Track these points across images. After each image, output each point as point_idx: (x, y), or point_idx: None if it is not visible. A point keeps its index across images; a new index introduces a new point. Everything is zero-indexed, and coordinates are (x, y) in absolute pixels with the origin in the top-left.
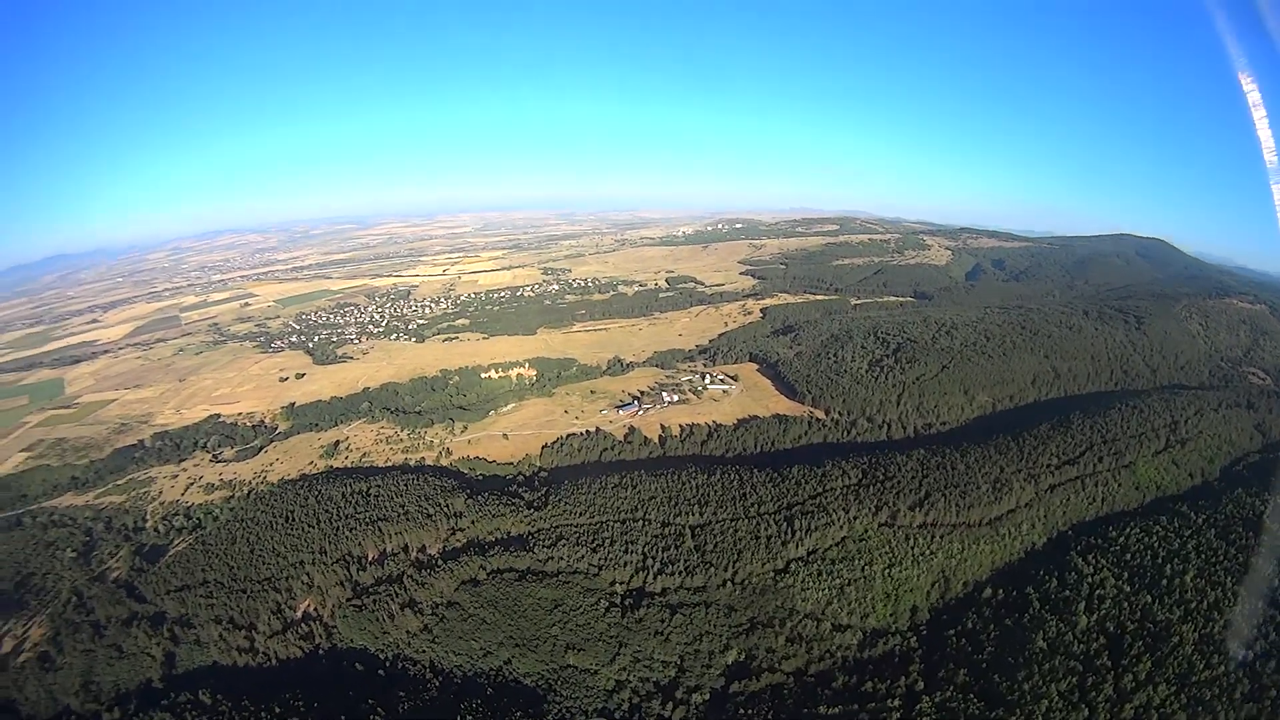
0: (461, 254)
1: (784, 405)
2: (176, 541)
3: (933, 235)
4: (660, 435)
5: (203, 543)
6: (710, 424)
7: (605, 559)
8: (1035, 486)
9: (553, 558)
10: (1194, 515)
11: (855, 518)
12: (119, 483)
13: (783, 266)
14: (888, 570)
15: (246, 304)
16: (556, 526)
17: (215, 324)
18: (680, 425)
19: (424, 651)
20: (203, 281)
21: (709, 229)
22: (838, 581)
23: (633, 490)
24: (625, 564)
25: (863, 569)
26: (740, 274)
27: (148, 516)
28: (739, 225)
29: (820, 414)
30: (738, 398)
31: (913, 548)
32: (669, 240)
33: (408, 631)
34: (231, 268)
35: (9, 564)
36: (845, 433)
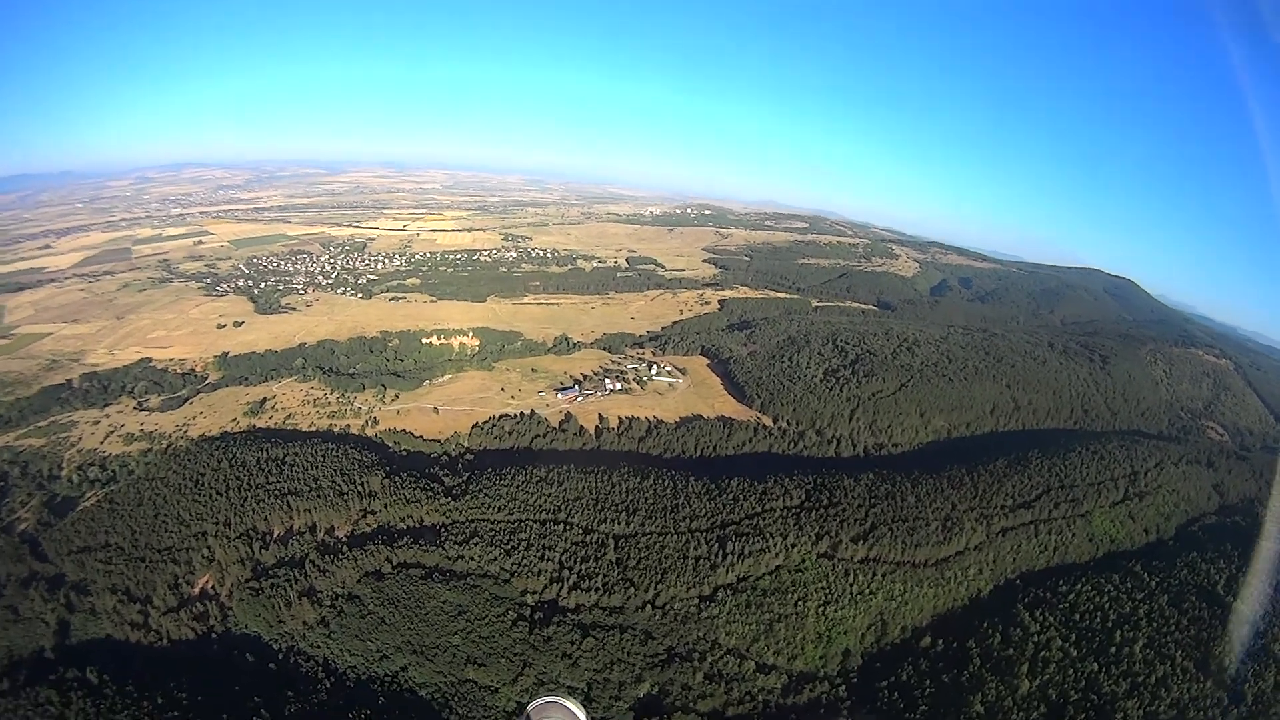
0: (425, 211)
1: (731, 407)
2: (88, 495)
3: (902, 245)
4: (597, 426)
5: (110, 501)
6: (651, 419)
7: (519, 564)
8: (987, 528)
9: (463, 556)
10: (1147, 576)
11: (793, 545)
12: (41, 424)
13: (747, 259)
14: (822, 608)
15: (200, 242)
16: (472, 521)
17: (166, 260)
18: (620, 417)
19: (319, 647)
20: (161, 214)
21: (677, 212)
22: (767, 616)
23: (559, 487)
24: (540, 572)
25: (795, 604)
26: (703, 261)
27: (64, 464)
28: (708, 212)
29: (768, 421)
30: (683, 393)
31: (851, 585)
32: (635, 218)
33: (304, 623)
34: (192, 203)
35: None
36: (792, 444)
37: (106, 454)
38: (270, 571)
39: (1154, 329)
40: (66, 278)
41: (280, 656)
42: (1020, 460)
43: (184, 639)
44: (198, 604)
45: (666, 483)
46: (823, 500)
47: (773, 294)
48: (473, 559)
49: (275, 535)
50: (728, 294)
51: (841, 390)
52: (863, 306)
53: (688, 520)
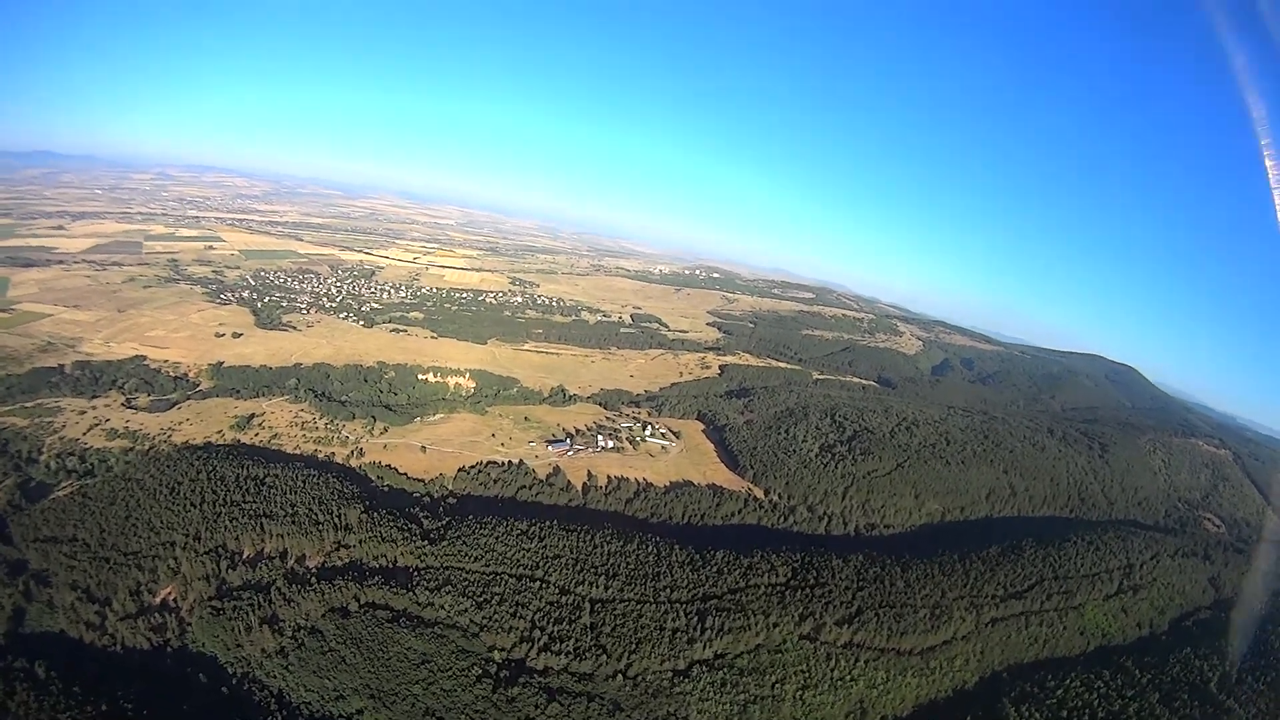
0: (437, 245)
1: (722, 475)
2: (63, 484)
3: (907, 322)
4: (585, 483)
5: (84, 494)
6: (640, 481)
7: (490, 619)
8: (977, 618)
9: (433, 604)
10: (1139, 673)
11: (775, 624)
12: (27, 405)
13: (751, 325)
14: (801, 692)
15: (211, 247)
16: (447, 568)
17: (175, 260)
18: (609, 476)
19: (274, 677)
20: (177, 214)
21: (686, 272)
22: (743, 697)
23: (539, 542)
24: (510, 629)
25: (773, 686)
26: (707, 324)
27: (44, 450)
28: (716, 275)
29: (759, 492)
30: (675, 457)
31: (832, 669)
32: (643, 275)
33: (262, 650)
34: (209, 206)
35: None
36: (782, 518)
37: (88, 446)
38: (234, 593)
39: (1154, 417)
40: (75, 262)
41: (234, 681)
42: (1014, 548)
43: (138, 648)
44: (157, 614)
45: (650, 549)
46: (809, 579)
47: (774, 363)
48: (443, 608)
49: (244, 556)
50: (729, 359)
51: (837, 467)
52: (864, 382)
53: (668, 590)
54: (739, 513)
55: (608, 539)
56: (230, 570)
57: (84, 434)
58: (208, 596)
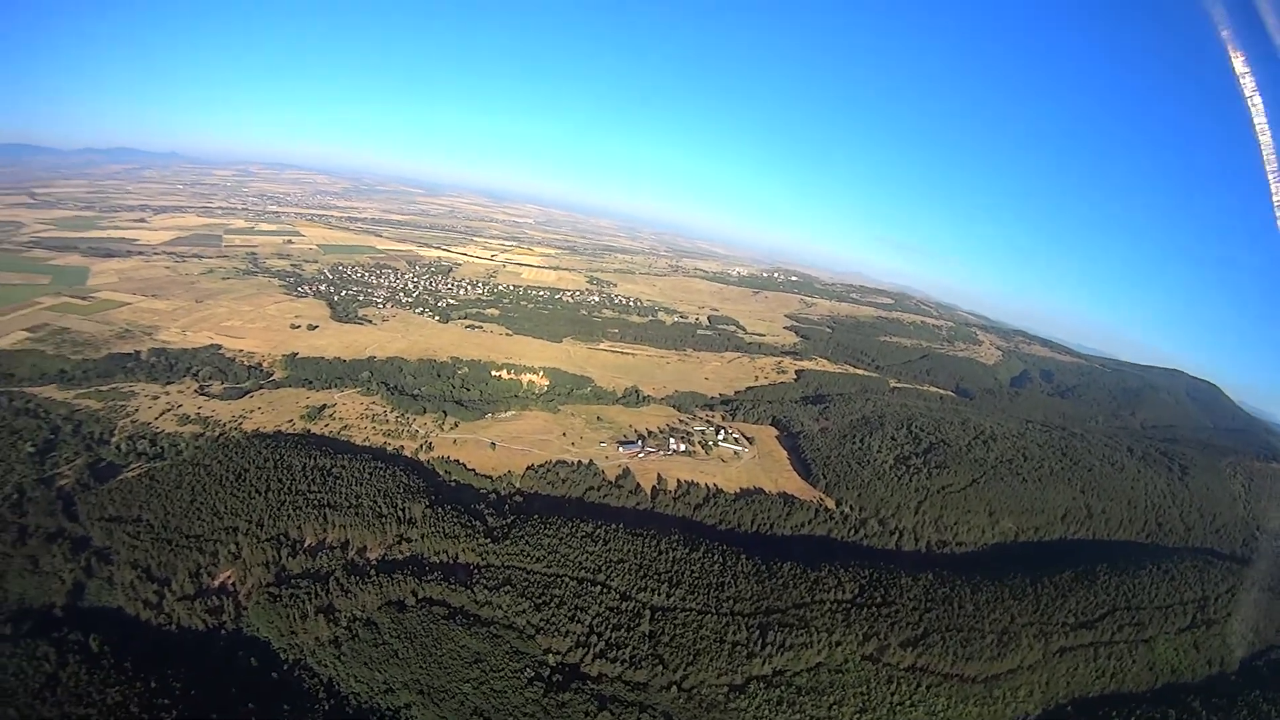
0: (515, 243)
1: (794, 484)
2: (133, 466)
3: (986, 331)
4: (654, 486)
5: (151, 477)
6: (710, 486)
7: (547, 621)
8: (1045, 646)
9: (491, 603)
10: (1206, 714)
11: (838, 643)
12: (103, 388)
13: (829, 330)
14: (858, 716)
15: (290, 241)
16: (508, 567)
17: (254, 253)
18: (679, 480)
19: (326, 666)
20: (257, 209)
21: (764, 275)
22: (798, 717)
23: (603, 546)
24: (568, 633)
25: (830, 708)
26: (785, 328)
27: (116, 431)
28: (795, 278)
29: (830, 503)
30: (747, 463)
31: (892, 693)
32: (721, 277)
33: (316, 639)
34: (289, 202)
35: None
36: (853, 531)
37: (159, 430)
38: (293, 580)
39: (1236, 439)
40: (155, 253)
41: (285, 667)
42: (1088, 574)
43: (193, 628)
44: (214, 597)
45: (715, 557)
46: (876, 598)
47: (851, 369)
48: (500, 607)
49: (305, 545)
50: (806, 365)
51: (911, 480)
52: (941, 392)
53: (731, 601)
54: (809, 523)
55: (673, 545)
56: (290, 558)
57: (156, 418)
58: (266, 583)
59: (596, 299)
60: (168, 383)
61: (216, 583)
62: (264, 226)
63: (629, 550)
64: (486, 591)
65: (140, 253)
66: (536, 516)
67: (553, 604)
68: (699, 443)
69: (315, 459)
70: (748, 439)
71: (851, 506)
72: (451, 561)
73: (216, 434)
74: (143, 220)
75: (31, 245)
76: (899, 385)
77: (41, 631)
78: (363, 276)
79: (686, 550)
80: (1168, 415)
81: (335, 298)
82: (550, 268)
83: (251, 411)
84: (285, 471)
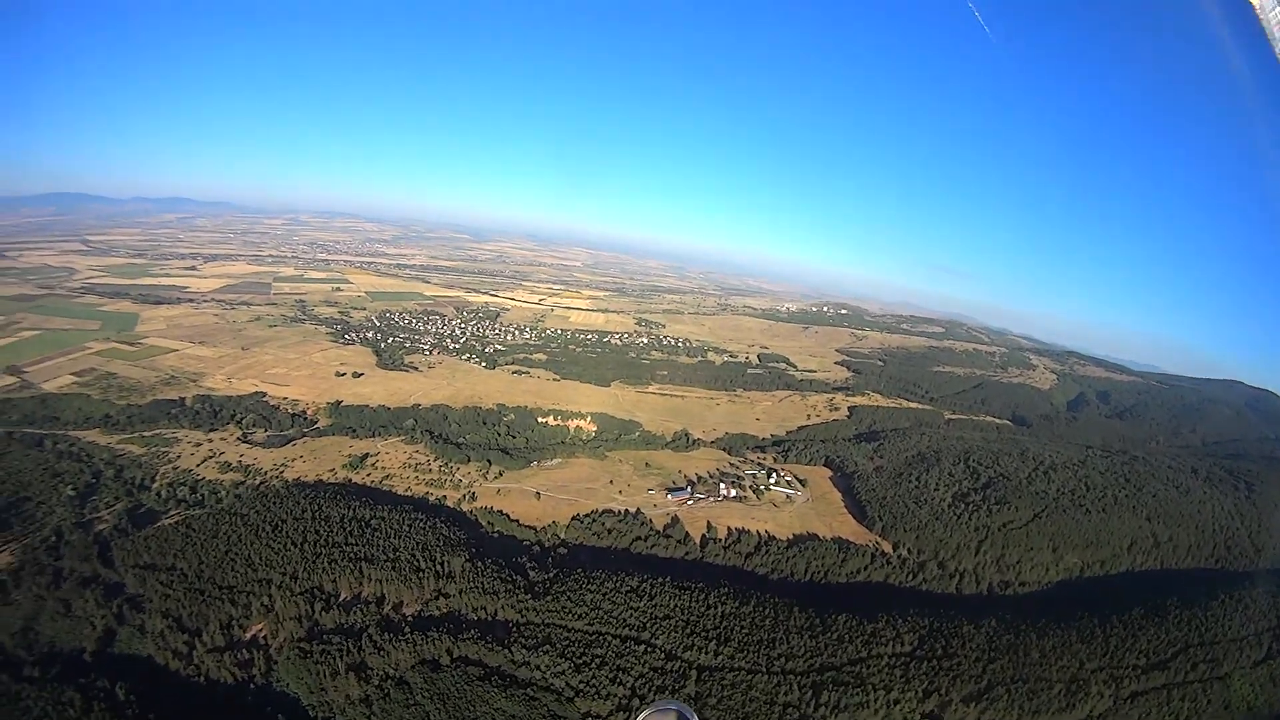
0: (563, 287)
1: (849, 528)
2: (171, 513)
3: (1039, 354)
4: (704, 535)
5: (188, 525)
6: (762, 534)
7: (587, 683)
8: (1115, 692)
9: (529, 663)
10: None
11: (896, 701)
12: (146, 434)
13: (881, 363)
14: None
15: (339, 289)
16: (548, 625)
17: (302, 301)
18: (730, 527)
19: None
20: (307, 257)
21: (814, 309)
22: None
23: (649, 601)
24: (608, 696)
25: None
26: (836, 363)
27: (157, 478)
28: (844, 311)
29: (887, 546)
30: (801, 507)
31: None
32: (770, 314)
33: (346, 696)
34: (338, 250)
35: (12, 482)
36: (911, 575)
37: (200, 477)
38: (325, 635)
39: None
40: (204, 301)
41: None
42: (1157, 609)
43: (222, 681)
44: (245, 650)
45: (767, 610)
46: (936, 649)
47: (905, 403)
48: (539, 668)
49: (340, 599)
50: (858, 400)
51: (970, 518)
52: (997, 421)
53: (783, 659)
54: (865, 569)
55: (723, 599)
56: (324, 612)
57: (197, 465)
58: (298, 637)
59: (645, 341)
60: (211, 430)
61: (248, 635)
62: (313, 274)
63: (675, 605)
64: (525, 651)
65: (190, 300)
66: (580, 570)
67: (593, 664)
68: (750, 487)
69: (354, 510)
70: (800, 481)
71: (909, 549)
72: (490, 618)
73: (257, 482)
74: (193, 268)
75: (83, 291)
76: (954, 417)
77: (69, 676)
78: (410, 323)
79: (736, 604)
80: (1229, 429)
81: (382, 345)
82: (598, 310)
83: (293, 460)
84: (323, 522)
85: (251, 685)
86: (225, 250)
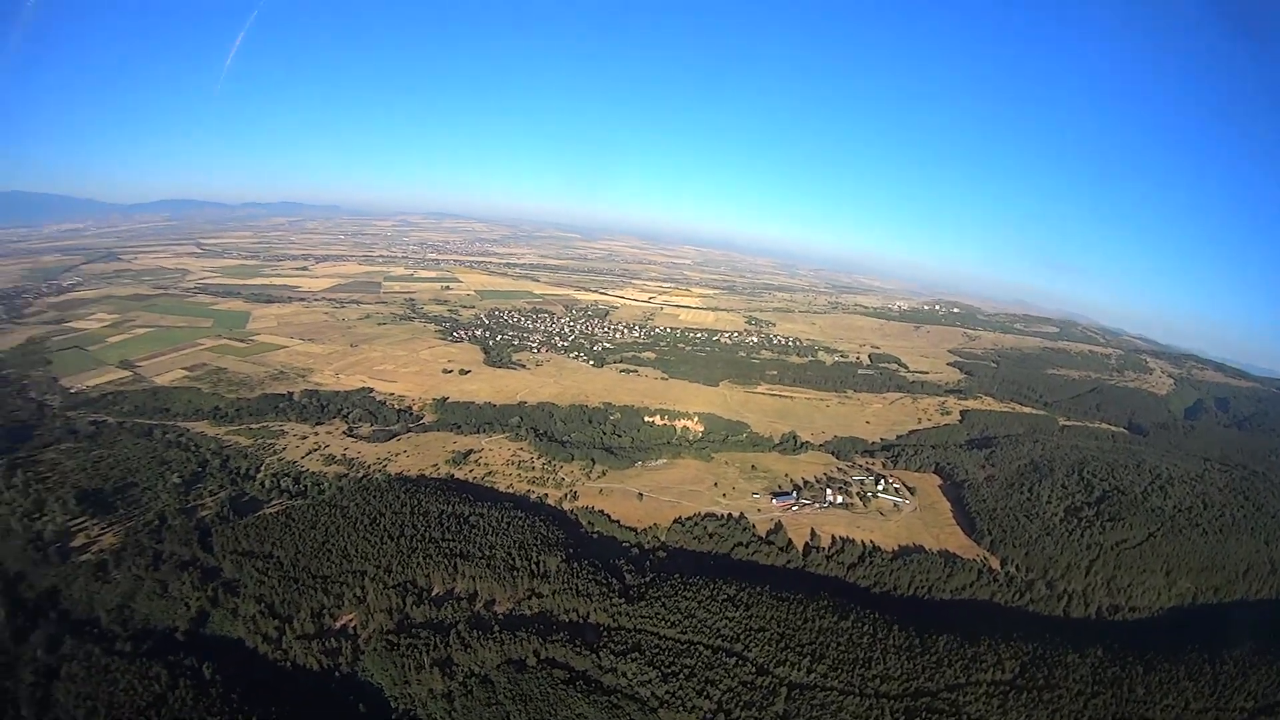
0: (673, 285)
1: (956, 540)
2: (273, 502)
3: (1156, 357)
4: (807, 543)
5: (288, 515)
6: (867, 544)
7: (673, 694)
8: None
9: (616, 669)
10: None
11: None
12: (253, 426)
13: (994, 365)
14: None
15: (448, 288)
16: (639, 631)
17: (412, 299)
18: (834, 536)
19: None
20: (417, 256)
21: (925, 308)
22: None
23: (744, 611)
24: (693, 709)
25: None
26: (948, 364)
27: (261, 469)
28: (957, 310)
29: (995, 562)
30: (908, 517)
31: None
32: (882, 313)
33: (429, 691)
34: (448, 250)
35: (121, 467)
36: (1018, 594)
37: (303, 469)
38: (414, 629)
39: None
40: (315, 299)
41: (393, 717)
42: (1271, 646)
43: (308, 667)
44: (334, 639)
45: (865, 627)
46: (1038, 679)
47: (1018, 407)
48: (625, 675)
49: (432, 594)
50: (970, 404)
51: (1083, 535)
52: (1112, 429)
53: (878, 680)
54: (970, 586)
55: (821, 612)
56: (415, 606)
57: (302, 457)
58: (387, 629)
59: (755, 340)
60: (318, 423)
61: (338, 625)
62: (423, 273)
63: (771, 617)
64: (613, 657)
65: (301, 299)
66: (677, 575)
67: (682, 674)
68: (857, 494)
69: (453, 505)
70: (909, 489)
71: (1018, 566)
72: (581, 621)
73: (359, 475)
74: (305, 268)
75: (196, 291)
76: (1068, 423)
77: (159, 653)
78: (519, 321)
79: (835, 618)
80: None
81: (490, 342)
82: (708, 309)
83: (397, 455)
84: (421, 517)
85: (337, 673)
86: (336, 251)
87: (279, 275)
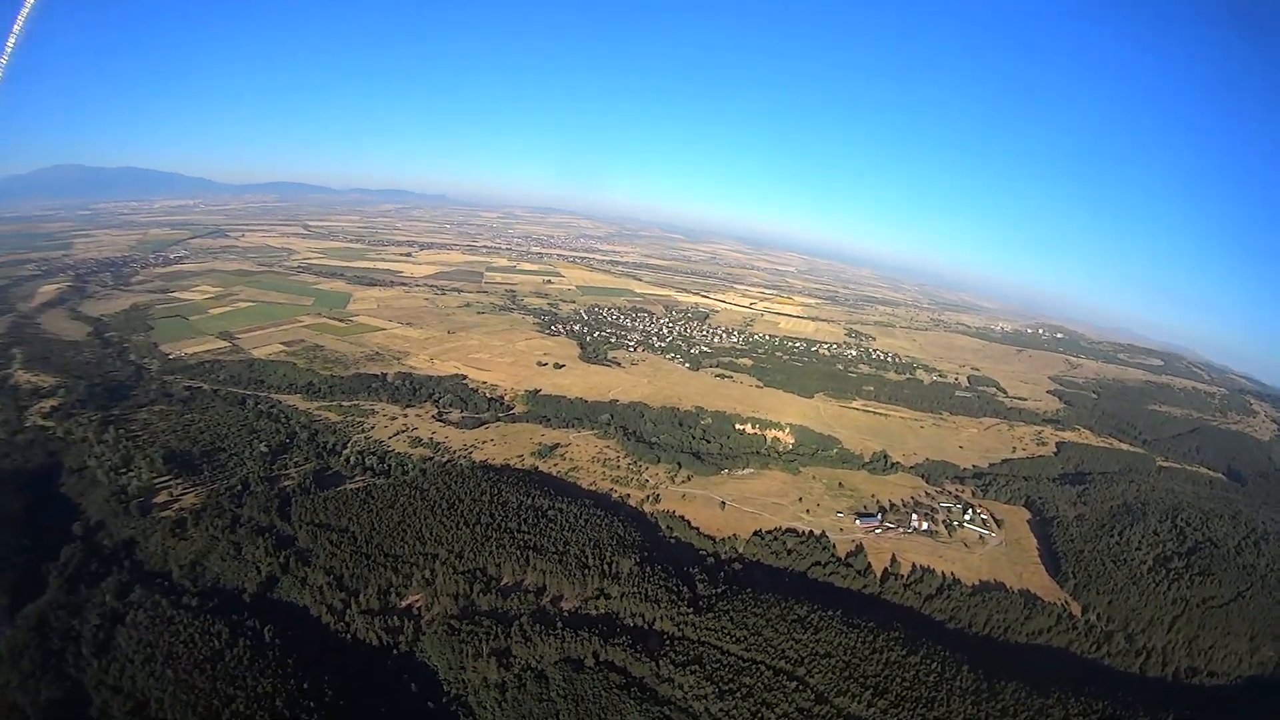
0: (775, 292)
1: (1039, 580)
2: (356, 478)
3: (1260, 399)
4: (885, 569)
5: (368, 492)
6: (947, 575)
7: (729, 712)
8: None
9: (673, 680)
10: None
11: None
12: (344, 404)
13: (1094, 396)
14: None
15: (549, 281)
16: (703, 643)
17: (512, 291)
18: (914, 564)
19: (485, 709)
20: (520, 249)
21: (1028, 331)
22: None
23: (812, 634)
24: None
25: None
26: (1047, 392)
27: (348, 445)
28: (1060, 335)
29: (1076, 608)
30: (992, 551)
31: None
32: (984, 333)
33: (484, 680)
34: (552, 244)
35: (211, 432)
36: (1095, 645)
37: (389, 449)
38: (477, 617)
39: None
40: (416, 285)
41: (443, 700)
42: None
43: (367, 642)
44: (396, 617)
45: (934, 665)
46: None
47: (1116, 443)
48: (682, 687)
49: (501, 584)
50: (1067, 436)
51: (1169, 588)
52: (1210, 474)
53: None
54: (1048, 631)
55: (890, 643)
56: (482, 594)
57: (389, 438)
58: (451, 614)
59: (853, 353)
60: (408, 405)
61: (403, 604)
62: (525, 266)
63: (839, 643)
64: (672, 667)
65: (403, 284)
66: (749, 590)
67: (739, 693)
68: (943, 521)
69: (533, 498)
70: (996, 521)
71: (1099, 615)
72: (646, 627)
73: (444, 460)
74: (408, 254)
75: (300, 270)
76: (1166, 465)
77: (223, 611)
78: (617, 319)
79: (903, 651)
80: None
81: (587, 338)
82: (809, 318)
83: (484, 442)
84: (500, 507)
85: (395, 651)
86: (440, 240)
87: (383, 260)
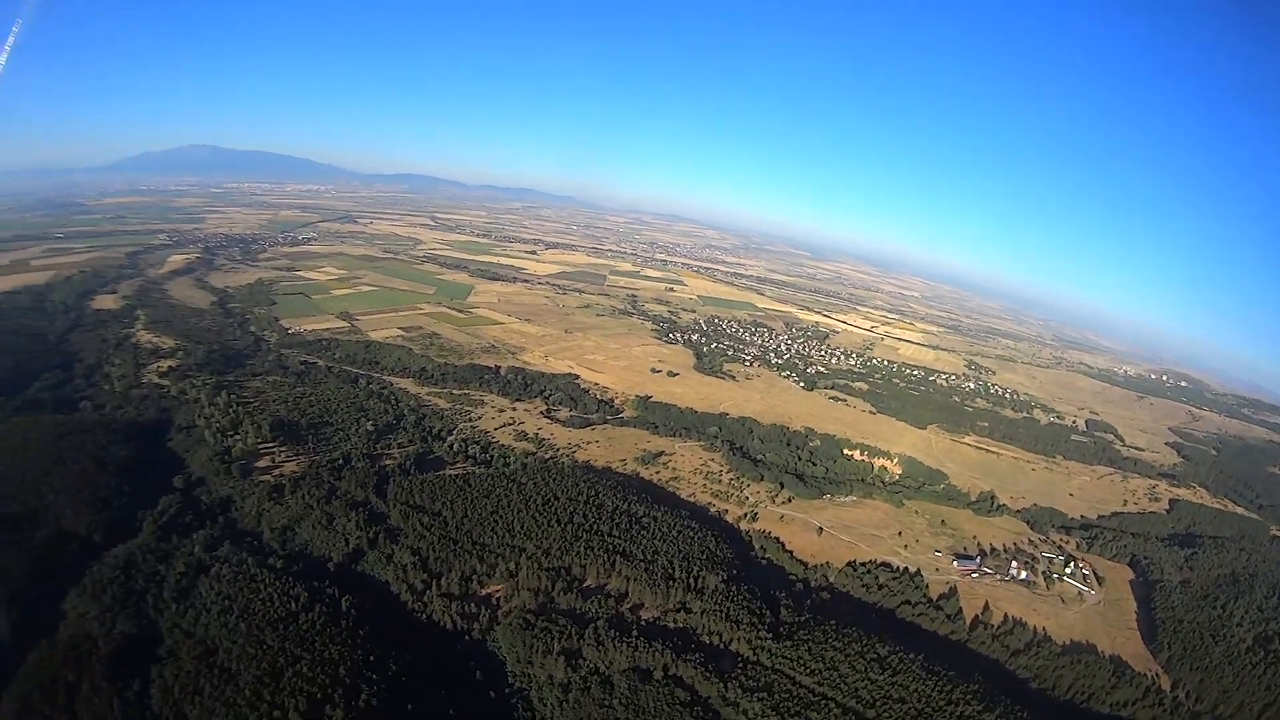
0: (898, 316)
1: (1132, 647)
2: (456, 465)
3: None
4: (976, 616)
5: (466, 480)
6: (1038, 630)
7: None
8: None
9: (738, 704)
10: None
11: None
12: (455, 392)
13: (1214, 452)
14: None
15: (671, 289)
16: (776, 670)
17: (633, 296)
18: (1006, 615)
19: (545, 706)
20: (645, 255)
21: (1151, 376)
22: None
23: (890, 676)
24: None
25: None
26: (1165, 443)
27: (453, 432)
28: (1184, 384)
29: (1165, 682)
30: (1088, 610)
31: None
32: (1106, 375)
33: (549, 676)
34: (677, 252)
35: (320, 406)
36: None
37: (493, 440)
38: (554, 615)
39: None
40: (539, 282)
41: (505, 691)
42: None
43: (441, 625)
44: (474, 604)
45: None
46: None
47: (1231, 505)
48: (746, 713)
49: (583, 585)
50: (1182, 493)
51: (1266, 672)
52: None
53: None
54: (1133, 704)
55: (967, 697)
56: (562, 593)
57: (495, 429)
58: (527, 608)
59: (972, 385)
60: (518, 400)
61: (484, 592)
62: (649, 272)
63: (915, 689)
64: (740, 691)
65: (525, 280)
66: (833, 622)
67: None
68: (1042, 572)
69: (630, 504)
70: (1098, 577)
71: (1188, 693)
72: (722, 647)
73: (546, 456)
74: (533, 252)
75: (425, 260)
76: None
77: (305, 576)
78: (736, 332)
79: (980, 707)
80: None
81: (703, 349)
82: (929, 346)
83: (589, 443)
84: (594, 509)
85: (467, 637)
86: (566, 240)
87: (507, 255)
